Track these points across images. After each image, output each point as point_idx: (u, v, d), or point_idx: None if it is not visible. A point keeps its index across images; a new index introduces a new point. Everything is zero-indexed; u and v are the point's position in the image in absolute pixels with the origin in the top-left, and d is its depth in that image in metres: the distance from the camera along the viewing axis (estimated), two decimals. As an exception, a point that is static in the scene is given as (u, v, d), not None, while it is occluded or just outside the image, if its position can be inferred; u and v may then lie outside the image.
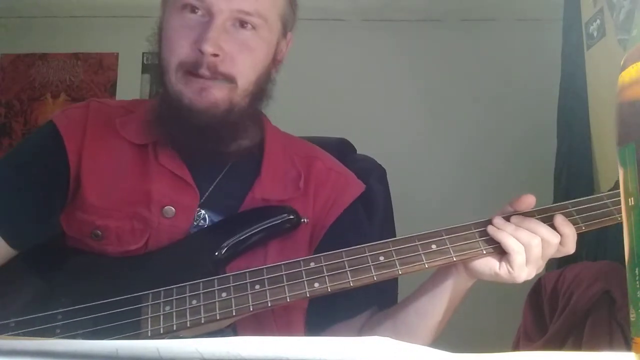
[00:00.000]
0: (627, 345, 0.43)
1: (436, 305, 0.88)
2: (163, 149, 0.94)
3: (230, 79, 0.90)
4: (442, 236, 0.81)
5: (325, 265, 0.79)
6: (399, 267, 0.79)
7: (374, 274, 0.79)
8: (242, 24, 0.91)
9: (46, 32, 2.80)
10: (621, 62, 0.44)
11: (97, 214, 0.90)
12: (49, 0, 2.72)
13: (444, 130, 2.61)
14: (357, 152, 1.30)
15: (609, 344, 1.12)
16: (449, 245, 0.81)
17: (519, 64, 2.57)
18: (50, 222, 0.92)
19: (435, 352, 0.48)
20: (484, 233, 0.82)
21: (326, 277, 0.78)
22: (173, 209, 0.91)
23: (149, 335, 0.75)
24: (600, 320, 1.18)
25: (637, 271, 0.41)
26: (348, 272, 0.79)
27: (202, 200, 0.94)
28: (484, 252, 0.81)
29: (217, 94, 0.90)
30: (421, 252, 0.80)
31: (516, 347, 1.38)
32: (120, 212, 0.90)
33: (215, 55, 0.88)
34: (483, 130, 2.57)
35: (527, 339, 1.36)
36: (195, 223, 0.92)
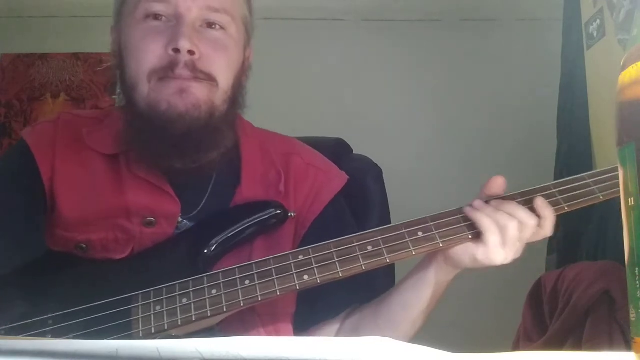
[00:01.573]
0: (627, 345, 0.43)
1: (421, 297, 0.88)
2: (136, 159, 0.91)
3: (210, 78, 0.87)
4: (428, 223, 0.82)
5: (313, 257, 0.80)
6: (386, 256, 0.80)
7: (362, 263, 0.80)
8: (210, 25, 0.89)
9: (46, 32, 2.79)
10: (621, 62, 0.44)
11: (77, 230, 0.88)
12: (48, 0, 2.72)
13: (443, 130, 2.60)
14: (355, 152, 1.30)
15: (609, 344, 1.12)
16: (435, 232, 0.82)
17: (519, 64, 2.56)
18: (34, 242, 0.89)
19: (435, 352, 0.48)
20: (469, 218, 0.82)
21: (315, 268, 0.79)
22: (153, 219, 0.89)
23: (141, 335, 0.75)
24: (600, 320, 1.17)
25: (637, 271, 0.41)
26: (337, 262, 0.79)
27: (191, 215, 0.91)
28: (470, 236, 0.82)
29: (199, 94, 0.86)
30: (408, 240, 0.81)
31: (516, 347, 1.38)
32: (99, 226, 0.88)
33: (192, 53, 0.85)
34: (482, 130, 2.57)
35: (527, 339, 1.35)
36: (177, 232, 0.90)
